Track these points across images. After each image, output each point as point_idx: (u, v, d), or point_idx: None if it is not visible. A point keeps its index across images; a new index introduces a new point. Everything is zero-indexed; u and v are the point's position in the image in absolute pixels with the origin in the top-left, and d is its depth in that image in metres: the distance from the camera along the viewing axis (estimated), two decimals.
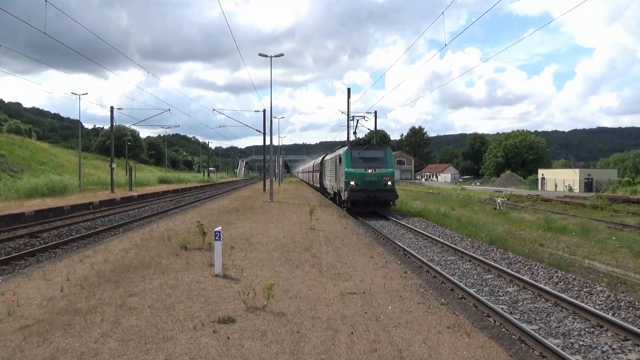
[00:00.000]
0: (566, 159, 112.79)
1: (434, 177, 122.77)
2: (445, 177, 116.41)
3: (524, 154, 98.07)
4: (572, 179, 64.47)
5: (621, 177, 64.27)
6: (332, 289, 7.50)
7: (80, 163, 42.05)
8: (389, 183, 22.02)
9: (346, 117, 39.03)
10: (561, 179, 66.81)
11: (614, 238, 15.73)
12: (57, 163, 54.67)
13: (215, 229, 8.57)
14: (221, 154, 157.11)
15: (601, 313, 7.01)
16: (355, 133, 32.46)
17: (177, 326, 5.63)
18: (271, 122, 31.51)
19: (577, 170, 66.83)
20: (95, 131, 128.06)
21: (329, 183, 30.84)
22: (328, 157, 31.91)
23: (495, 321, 6.75)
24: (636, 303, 7.65)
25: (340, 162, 23.90)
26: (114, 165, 39.56)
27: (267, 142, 36.02)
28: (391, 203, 22.97)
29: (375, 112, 43.11)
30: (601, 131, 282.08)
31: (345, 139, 38.30)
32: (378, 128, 50.64)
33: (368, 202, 21.90)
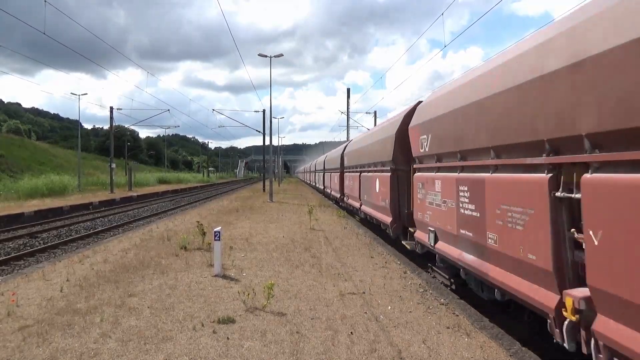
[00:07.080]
0: None
1: None
2: None
3: None
4: None
5: None
6: (331, 289, 7.50)
7: (80, 163, 42.08)
8: None
9: (346, 117, 39.10)
10: None
11: None
12: (57, 163, 54.71)
13: (215, 229, 8.57)
14: (221, 154, 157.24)
15: None
16: None
17: (177, 326, 5.62)
18: (271, 122, 31.61)
19: None
20: (95, 131, 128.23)
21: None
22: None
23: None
24: None
25: None
26: (113, 165, 39.58)
27: (267, 142, 36.04)
28: None
29: (375, 112, 43.21)
30: None
31: (345, 139, 38.30)
32: None
33: None
